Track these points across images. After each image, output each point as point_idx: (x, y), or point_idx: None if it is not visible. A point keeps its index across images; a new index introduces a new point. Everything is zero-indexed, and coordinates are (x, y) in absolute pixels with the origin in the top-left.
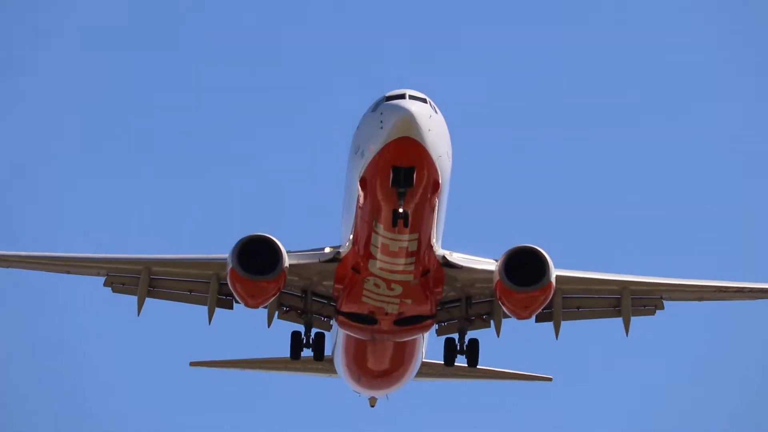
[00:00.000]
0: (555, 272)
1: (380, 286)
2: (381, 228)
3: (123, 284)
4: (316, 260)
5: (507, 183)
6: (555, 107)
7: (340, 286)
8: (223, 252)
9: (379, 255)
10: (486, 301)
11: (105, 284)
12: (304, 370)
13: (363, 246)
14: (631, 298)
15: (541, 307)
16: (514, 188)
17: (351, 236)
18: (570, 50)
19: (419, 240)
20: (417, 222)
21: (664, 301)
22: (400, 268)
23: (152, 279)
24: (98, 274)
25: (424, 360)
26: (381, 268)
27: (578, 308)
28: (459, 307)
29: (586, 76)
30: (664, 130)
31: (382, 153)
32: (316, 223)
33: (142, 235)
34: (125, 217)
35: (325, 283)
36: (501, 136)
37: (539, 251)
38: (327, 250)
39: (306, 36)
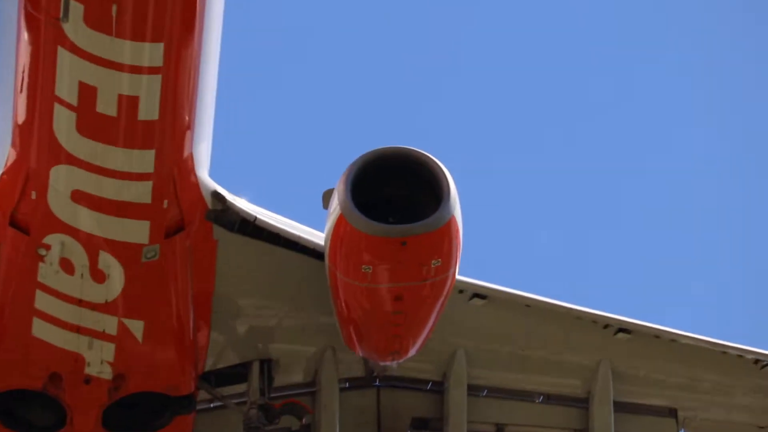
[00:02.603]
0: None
1: (75, 267)
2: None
3: None
4: None
5: None
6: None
7: None
8: None
9: (75, 167)
10: (309, 385)
11: None
12: None
13: (37, 143)
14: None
15: (441, 299)
16: None
17: (10, 135)
18: None
19: (160, 133)
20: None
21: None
22: (119, 194)
23: None
24: None
25: None
26: (79, 198)
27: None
28: (251, 382)
29: None
30: None
31: None
32: None
33: None
34: None
35: None
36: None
37: (424, 157)
38: None
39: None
